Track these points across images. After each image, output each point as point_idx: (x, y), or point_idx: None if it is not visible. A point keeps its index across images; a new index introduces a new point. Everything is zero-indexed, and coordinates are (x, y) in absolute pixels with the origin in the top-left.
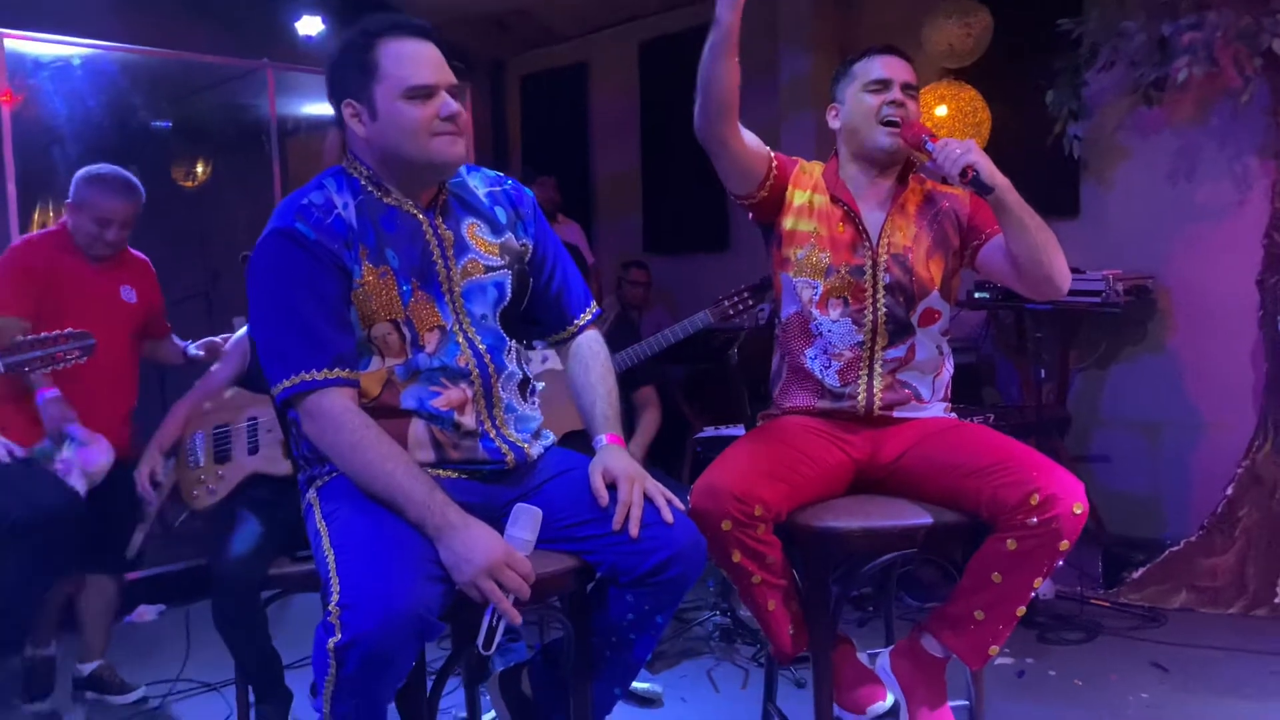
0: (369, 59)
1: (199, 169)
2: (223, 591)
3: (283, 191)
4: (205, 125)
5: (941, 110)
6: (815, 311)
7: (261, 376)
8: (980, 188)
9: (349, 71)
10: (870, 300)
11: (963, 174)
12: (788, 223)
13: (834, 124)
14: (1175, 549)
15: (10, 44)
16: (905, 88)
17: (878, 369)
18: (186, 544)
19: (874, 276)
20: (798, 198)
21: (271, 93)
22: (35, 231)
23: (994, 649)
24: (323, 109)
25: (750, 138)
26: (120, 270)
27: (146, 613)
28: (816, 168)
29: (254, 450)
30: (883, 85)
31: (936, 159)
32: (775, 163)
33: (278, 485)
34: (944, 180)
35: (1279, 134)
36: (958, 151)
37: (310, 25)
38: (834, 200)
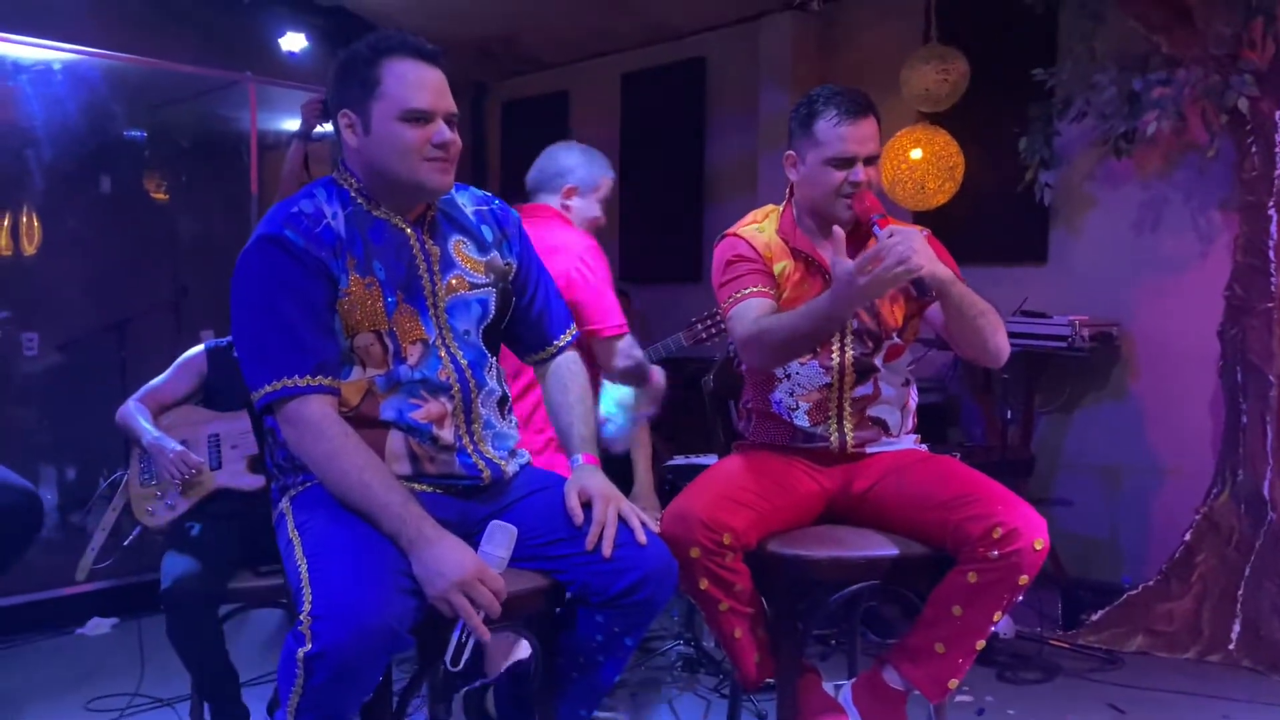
0: (372, 74)
1: (173, 181)
2: (176, 607)
3: (260, 206)
4: (182, 136)
5: (916, 153)
6: None
7: (220, 394)
8: (920, 289)
9: (351, 82)
10: (838, 346)
11: None
12: None
13: (791, 175)
14: (1133, 593)
15: None
16: (868, 160)
17: (847, 408)
18: (141, 556)
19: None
20: (774, 269)
21: (253, 106)
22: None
23: (953, 682)
24: None
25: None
26: None
27: (100, 625)
28: (769, 221)
29: (216, 465)
30: (846, 163)
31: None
32: (774, 292)
33: (241, 500)
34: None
35: (1242, 189)
36: (900, 251)
37: (294, 42)
38: (795, 254)
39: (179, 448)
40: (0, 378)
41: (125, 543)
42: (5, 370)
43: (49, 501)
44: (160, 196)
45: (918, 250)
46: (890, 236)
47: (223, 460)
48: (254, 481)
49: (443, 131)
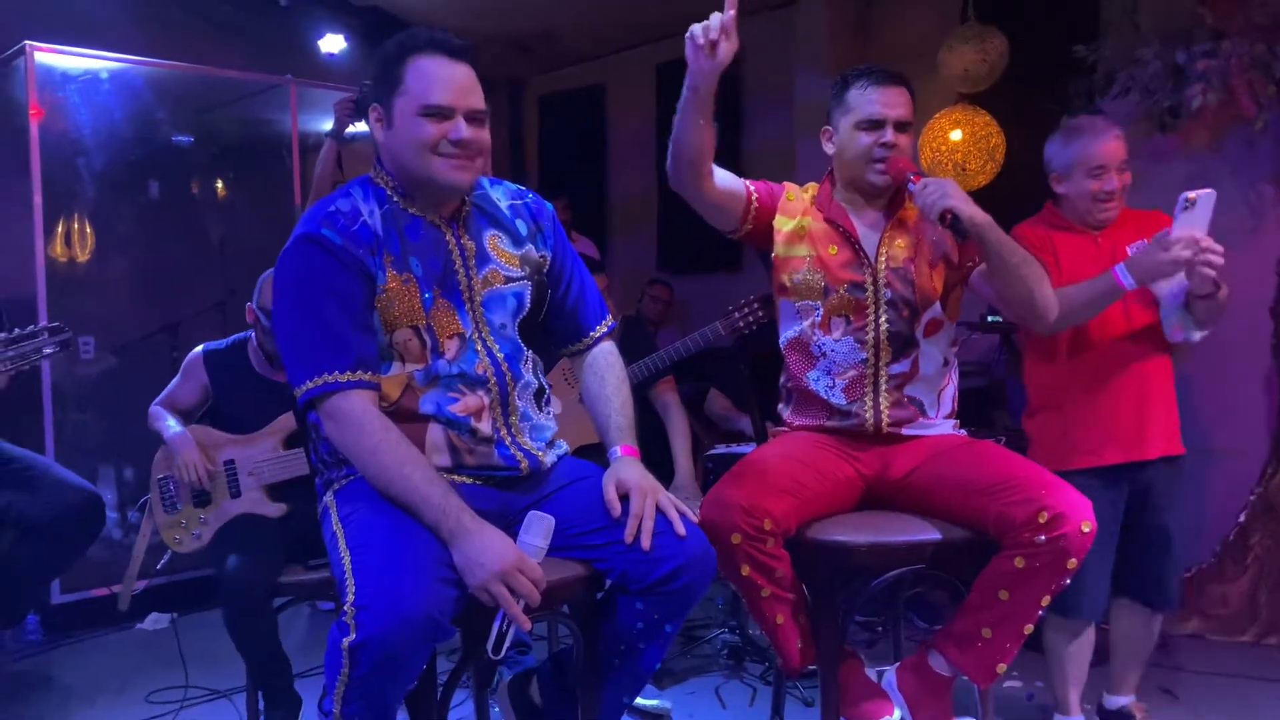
0: (397, 71)
1: (219, 184)
2: (232, 596)
3: (302, 206)
4: (227, 140)
5: (956, 134)
6: (817, 332)
7: (226, 399)
8: (958, 231)
9: (381, 79)
10: (872, 316)
11: (941, 218)
12: (779, 250)
13: (828, 148)
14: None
15: (40, 57)
16: (898, 125)
17: (883, 385)
18: (198, 553)
19: (875, 293)
20: (786, 225)
21: (294, 108)
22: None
23: (1001, 667)
24: None
25: (724, 179)
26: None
27: (160, 620)
28: (810, 190)
29: (236, 494)
30: (875, 125)
31: (916, 201)
32: (755, 198)
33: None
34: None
35: None
36: (934, 196)
37: (333, 43)
38: (828, 222)
39: (196, 456)
40: (59, 380)
41: (159, 565)
42: (63, 373)
43: (107, 501)
44: (208, 200)
45: (950, 193)
46: (924, 188)
47: (241, 488)
48: (274, 509)
49: (459, 128)
